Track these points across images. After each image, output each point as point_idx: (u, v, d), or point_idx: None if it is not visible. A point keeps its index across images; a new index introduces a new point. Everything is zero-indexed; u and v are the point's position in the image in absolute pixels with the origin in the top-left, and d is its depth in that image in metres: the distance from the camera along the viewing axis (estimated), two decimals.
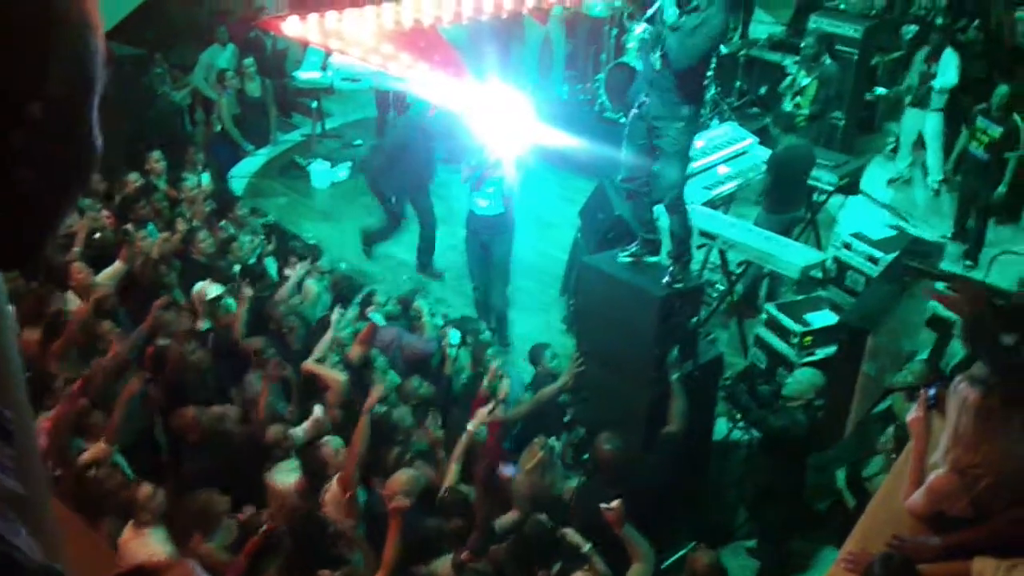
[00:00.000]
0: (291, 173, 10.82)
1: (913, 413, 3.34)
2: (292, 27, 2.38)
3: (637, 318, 6.01)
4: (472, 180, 7.72)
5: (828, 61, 9.75)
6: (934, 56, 10.17)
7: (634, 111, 5.64)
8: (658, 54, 5.37)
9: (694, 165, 8.67)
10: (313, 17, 2.42)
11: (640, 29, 10.43)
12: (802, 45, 10.10)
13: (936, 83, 10.08)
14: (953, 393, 3.09)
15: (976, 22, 11.55)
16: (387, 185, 8.93)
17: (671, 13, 5.22)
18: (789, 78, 9.98)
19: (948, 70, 10.02)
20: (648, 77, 5.53)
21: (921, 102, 10.31)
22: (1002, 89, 8.92)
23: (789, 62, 10.73)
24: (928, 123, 10.36)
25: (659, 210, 6.13)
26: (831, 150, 9.58)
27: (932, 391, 3.30)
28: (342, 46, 2.54)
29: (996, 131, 8.85)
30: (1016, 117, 8.79)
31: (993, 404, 3.09)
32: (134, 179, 8.17)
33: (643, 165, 5.76)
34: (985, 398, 3.10)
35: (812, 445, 6.12)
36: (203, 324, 6.66)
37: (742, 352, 7.99)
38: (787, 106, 9.67)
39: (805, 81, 9.63)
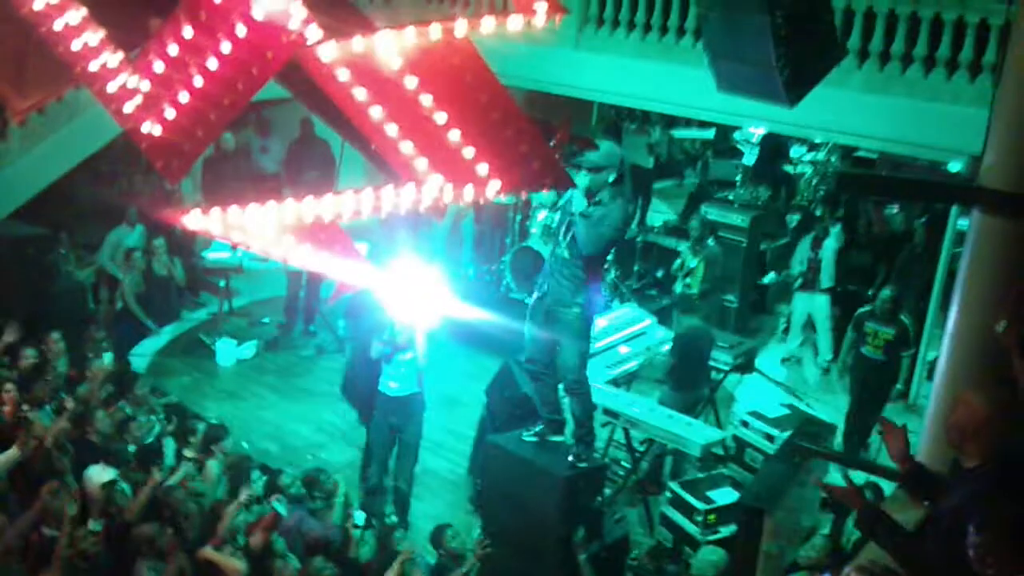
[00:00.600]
0: (196, 352, 10.71)
1: None
2: (193, 221, 2.45)
3: (542, 498, 6.04)
4: (383, 355, 7.72)
5: (712, 243, 10.38)
6: (817, 243, 10.87)
7: (535, 295, 5.86)
8: (565, 241, 5.64)
9: (596, 345, 8.97)
10: (215, 211, 2.52)
11: (543, 216, 11.11)
12: (688, 227, 10.76)
13: (822, 279, 10.73)
14: None
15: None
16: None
17: (579, 203, 5.53)
18: (678, 260, 10.52)
19: (827, 266, 10.70)
20: (548, 263, 5.79)
21: (808, 286, 10.91)
22: (885, 293, 9.11)
23: (683, 247, 11.32)
24: (816, 305, 10.94)
25: (563, 390, 6.27)
26: (725, 331, 10.00)
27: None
28: (244, 239, 2.64)
29: (888, 332, 8.96)
30: (903, 318, 9.01)
31: None
32: (31, 356, 7.96)
33: (544, 347, 5.95)
34: None
35: None
36: (94, 510, 6.38)
37: (648, 530, 8.02)
38: (678, 287, 10.21)
39: (693, 263, 10.20)
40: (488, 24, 2.61)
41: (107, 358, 8.69)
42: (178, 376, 10.15)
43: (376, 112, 2.51)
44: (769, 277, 12.33)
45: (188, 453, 7.33)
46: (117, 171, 11.43)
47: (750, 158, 13.44)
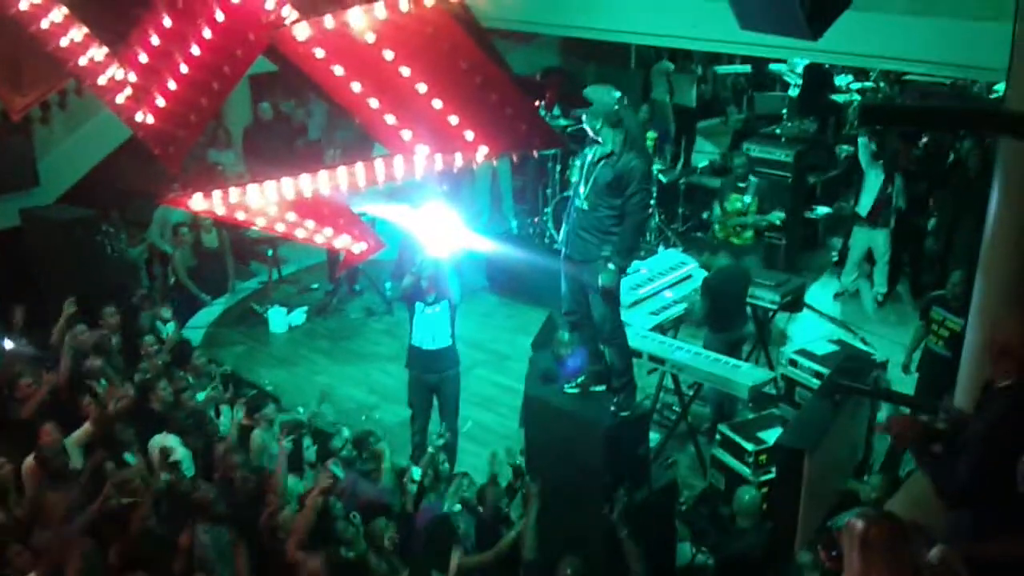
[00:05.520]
0: (249, 320, 10.95)
1: None
2: (197, 203, 2.49)
3: (585, 449, 6.06)
4: (414, 290, 7.65)
5: (754, 179, 10.13)
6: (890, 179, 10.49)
7: (565, 247, 5.84)
8: (584, 193, 5.61)
9: (641, 291, 8.96)
10: (217, 193, 2.56)
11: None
12: (733, 165, 10.51)
13: (859, 208, 10.41)
14: (847, 529, 3.14)
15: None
16: None
17: (594, 154, 5.50)
18: (716, 204, 10.23)
19: (868, 196, 10.37)
20: (573, 214, 5.76)
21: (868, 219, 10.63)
22: (955, 275, 7.73)
23: (723, 184, 11.11)
24: (877, 239, 10.67)
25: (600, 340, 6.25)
26: (774, 268, 9.87)
27: None
28: (247, 217, 2.69)
29: (956, 323, 7.48)
30: None
31: (877, 539, 3.11)
32: (81, 331, 8.13)
33: (577, 298, 5.94)
34: (868, 532, 3.13)
35: (768, 567, 6.13)
36: (162, 476, 6.62)
37: (701, 474, 8.04)
38: (719, 231, 9.99)
39: (745, 200, 9.94)
40: None
41: (170, 328, 8.93)
42: (232, 345, 10.41)
43: (356, 87, 2.53)
44: (819, 211, 12.11)
45: (243, 421, 7.53)
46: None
47: (795, 90, 13.17)
